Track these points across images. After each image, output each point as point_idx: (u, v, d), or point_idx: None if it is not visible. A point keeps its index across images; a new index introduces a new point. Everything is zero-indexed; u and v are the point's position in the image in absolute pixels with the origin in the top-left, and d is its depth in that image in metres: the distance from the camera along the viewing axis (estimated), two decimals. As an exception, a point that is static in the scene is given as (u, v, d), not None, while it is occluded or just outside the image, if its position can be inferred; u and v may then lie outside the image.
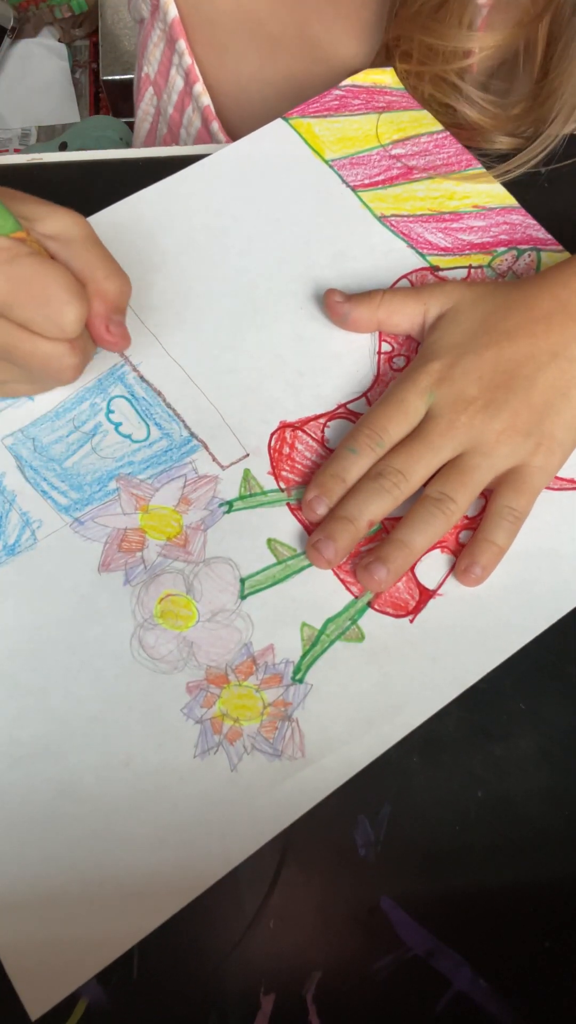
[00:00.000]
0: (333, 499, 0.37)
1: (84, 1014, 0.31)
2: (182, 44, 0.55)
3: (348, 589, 0.37)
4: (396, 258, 0.44)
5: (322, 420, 0.40)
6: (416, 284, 0.43)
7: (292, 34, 0.54)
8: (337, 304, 0.41)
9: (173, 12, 0.54)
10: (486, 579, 0.36)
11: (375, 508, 0.36)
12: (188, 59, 0.56)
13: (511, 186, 0.46)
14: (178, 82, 0.57)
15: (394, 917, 0.32)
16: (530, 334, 0.38)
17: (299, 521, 0.38)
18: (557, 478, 0.39)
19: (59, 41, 1.42)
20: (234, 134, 0.58)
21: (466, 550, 0.37)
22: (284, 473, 0.39)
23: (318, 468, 0.38)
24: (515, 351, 0.38)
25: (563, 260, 0.40)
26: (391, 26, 0.48)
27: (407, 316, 0.41)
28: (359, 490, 0.36)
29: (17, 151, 1.31)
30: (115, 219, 0.44)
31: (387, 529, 0.38)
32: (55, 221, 0.34)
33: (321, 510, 0.37)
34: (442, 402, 0.37)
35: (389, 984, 0.31)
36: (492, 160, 0.46)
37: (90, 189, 0.47)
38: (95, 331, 0.36)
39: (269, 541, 0.37)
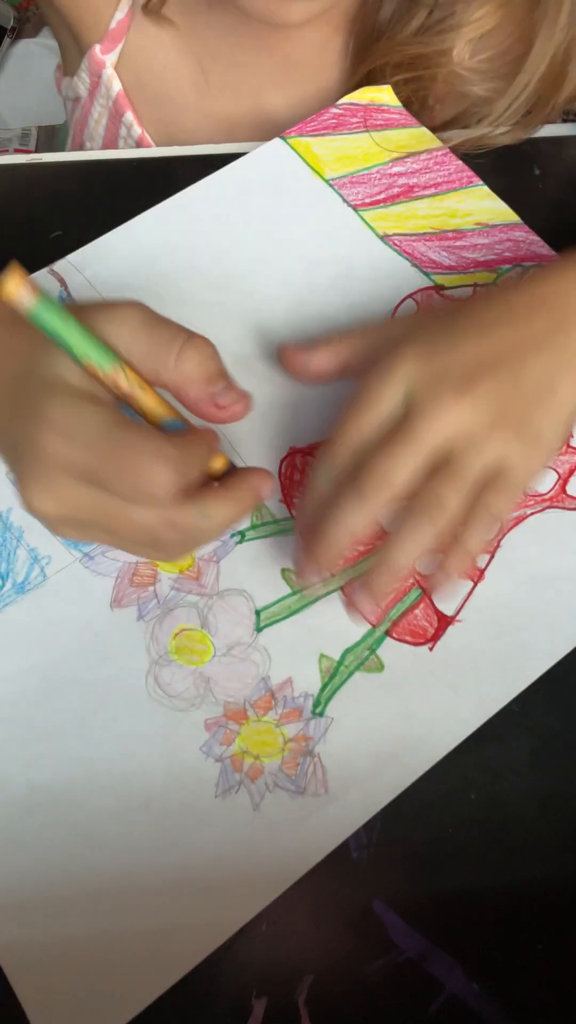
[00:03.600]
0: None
1: None
2: (129, 116, 0.54)
3: (366, 618, 0.36)
4: (400, 278, 0.44)
5: (332, 445, 0.40)
6: (422, 304, 0.43)
7: (247, 105, 0.53)
8: (293, 356, 0.38)
9: (117, 86, 0.53)
10: (450, 578, 0.33)
11: (356, 519, 0.32)
12: (138, 129, 0.55)
13: (507, 192, 0.46)
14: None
15: (387, 920, 0.32)
16: (510, 323, 0.34)
17: (313, 549, 0.37)
18: (569, 496, 0.39)
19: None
20: None
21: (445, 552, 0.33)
22: (296, 500, 0.38)
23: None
24: (496, 341, 0.34)
25: (537, 268, 0.39)
26: (364, 65, 0.48)
27: (373, 350, 0.36)
28: (338, 507, 0.32)
29: (17, 151, 1.29)
30: (114, 246, 0.44)
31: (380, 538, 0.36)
32: (116, 315, 0.31)
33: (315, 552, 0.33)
34: (421, 398, 0.32)
35: (382, 987, 0.31)
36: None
37: (91, 189, 0.47)
38: (207, 414, 0.32)
39: (284, 571, 0.37)
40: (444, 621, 0.36)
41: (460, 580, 0.34)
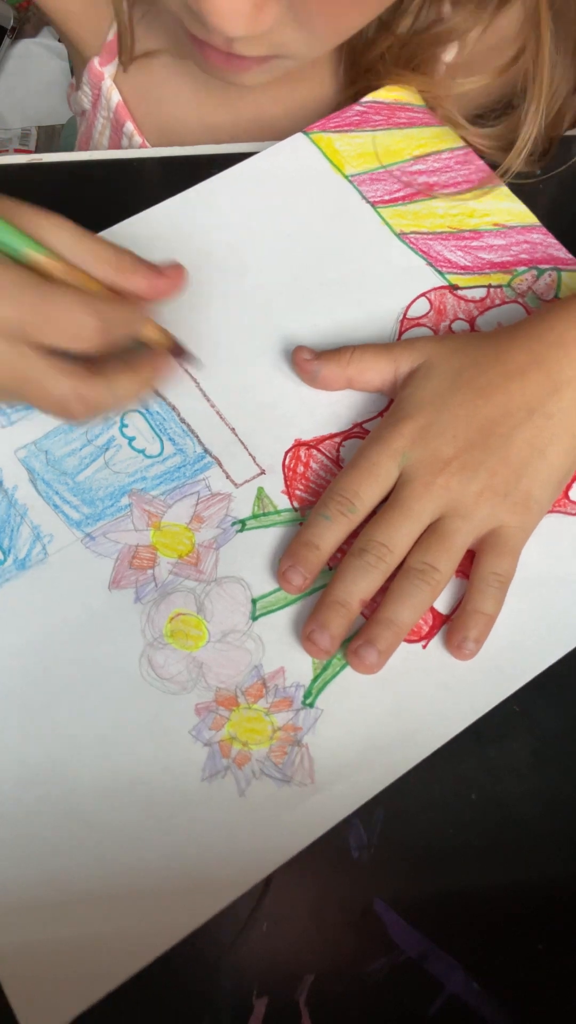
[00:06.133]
0: (308, 568, 0.35)
1: (77, 1017, 0.30)
2: (130, 126, 0.54)
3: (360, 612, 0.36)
4: (414, 276, 0.44)
5: (337, 439, 0.40)
6: (435, 304, 0.43)
7: (247, 117, 0.53)
8: (306, 362, 0.40)
9: (116, 97, 0.53)
10: (480, 650, 0.35)
11: (364, 586, 0.35)
12: (138, 139, 0.54)
13: (523, 194, 0.46)
14: None
15: (387, 920, 0.32)
16: (505, 391, 0.36)
17: (312, 542, 0.37)
18: (571, 501, 0.39)
19: (59, 41, 1.41)
20: None
21: (457, 623, 0.35)
22: (298, 492, 0.39)
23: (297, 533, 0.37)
24: (490, 409, 0.36)
25: (536, 312, 0.39)
26: (357, 74, 0.49)
27: (378, 373, 0.39)
28: (345, 570, 0.35)
29: (17, 151, 1.30)
30: (132, 232, 0.44)
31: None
32: (49, 226, 0.34)
33: (297, 580, 0.35)
34: (416, 464, 0.36)
35: (382, 987, 0.31)
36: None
37: (91, 189, 0.47)
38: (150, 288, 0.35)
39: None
40: (439, 619, 0.36)
41: (482, 645, 0.36)
